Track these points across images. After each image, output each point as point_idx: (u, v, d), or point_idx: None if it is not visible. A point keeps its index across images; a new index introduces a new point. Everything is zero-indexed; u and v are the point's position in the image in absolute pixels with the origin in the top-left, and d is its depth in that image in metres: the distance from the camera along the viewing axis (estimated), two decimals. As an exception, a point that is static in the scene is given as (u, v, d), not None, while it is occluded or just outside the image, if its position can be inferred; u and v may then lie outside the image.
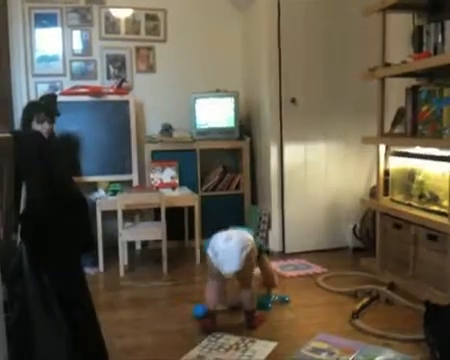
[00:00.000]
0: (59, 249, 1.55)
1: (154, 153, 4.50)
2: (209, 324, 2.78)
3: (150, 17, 4.74)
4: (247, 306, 2.82)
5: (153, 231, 3.95)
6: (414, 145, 3.37)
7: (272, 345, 2.55)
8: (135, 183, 4.40)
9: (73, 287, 1.59)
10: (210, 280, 2.85)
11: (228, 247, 2.71)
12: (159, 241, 3.86)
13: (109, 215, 4.03)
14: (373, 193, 3.93)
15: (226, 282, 2.84)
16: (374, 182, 3.93)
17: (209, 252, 2.77)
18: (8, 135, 1.55)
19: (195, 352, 2.50)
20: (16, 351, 1.50)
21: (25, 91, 4.49)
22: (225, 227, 2.91)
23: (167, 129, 4.54)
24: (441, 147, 3.13)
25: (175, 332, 2.77)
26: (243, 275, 2.76)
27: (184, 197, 4.20)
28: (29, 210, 1.54)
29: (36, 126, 3.67)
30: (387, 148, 3.70)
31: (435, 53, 3.15)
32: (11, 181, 1.52)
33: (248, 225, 4.47)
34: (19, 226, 1.56)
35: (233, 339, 2.63)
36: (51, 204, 1.53)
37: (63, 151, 3.99)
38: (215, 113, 4.59)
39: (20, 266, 1.52)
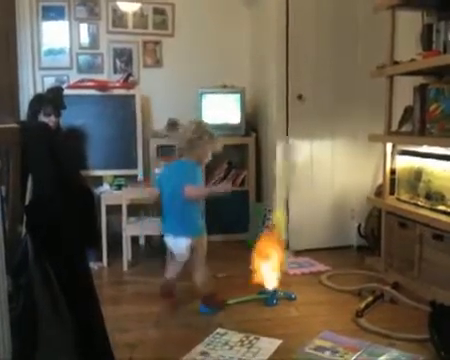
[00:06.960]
0: (65, 242, 1.55)
1: (160, 148, 4.48)
2: (164, 293, 3.03)
3: (158, 11, 4.72)
4: (200, 289, 3.00)
5: (157, 226, 3.93)
6: (422, 144, 3.35)
7: (277, 342, 2.54)
8: (140, 178, 4.39)
9: (78, 281, 1.58)
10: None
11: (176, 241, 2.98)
12: (163, 236, 3.84)
13: (113, 209, 4.02)
14: (379, 192, 3.91)
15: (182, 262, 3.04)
16: (380, 181, 3.92)
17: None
18: (15, 126, 1.54)
19: (199, 348, 2.49)
20: (20, 343, 1.49)
21: (32, 84, 4.50)
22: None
23: (173, 124, 4.53)
24: (449, 146, 3.10)
25: (179, 327, 2.77)
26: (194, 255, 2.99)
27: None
28: (35, 201, 1.53)
29: (43, 119, 3.66)
30: (394, 147, 3.68)
31: (444, 51, 3.12)
32: (18, 172, 1.51)
33: (253, 222, 4.48)
34: (25, 217, 1.55)
35: (238, 336, 2.62)
36: (58, 196, 1.52)
37: (69, 144, 3.99)
38: (221, 109, 4.57)
39: (25, 258, 1.52)
